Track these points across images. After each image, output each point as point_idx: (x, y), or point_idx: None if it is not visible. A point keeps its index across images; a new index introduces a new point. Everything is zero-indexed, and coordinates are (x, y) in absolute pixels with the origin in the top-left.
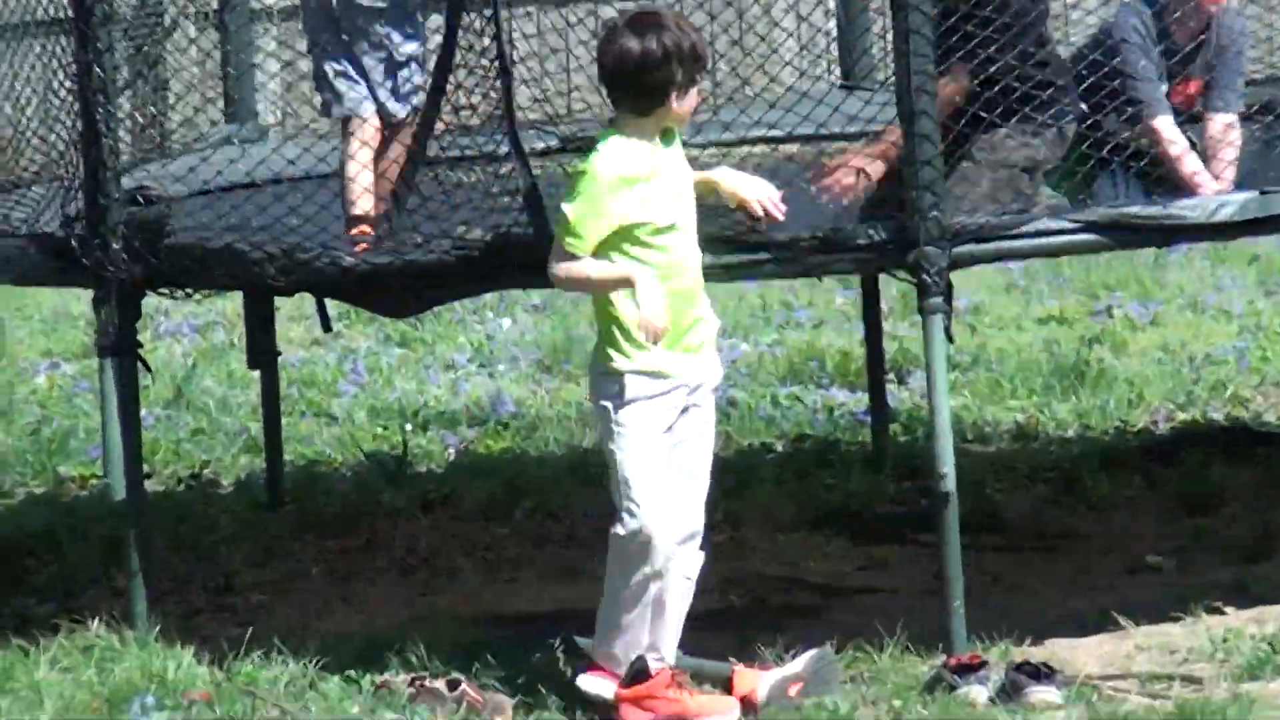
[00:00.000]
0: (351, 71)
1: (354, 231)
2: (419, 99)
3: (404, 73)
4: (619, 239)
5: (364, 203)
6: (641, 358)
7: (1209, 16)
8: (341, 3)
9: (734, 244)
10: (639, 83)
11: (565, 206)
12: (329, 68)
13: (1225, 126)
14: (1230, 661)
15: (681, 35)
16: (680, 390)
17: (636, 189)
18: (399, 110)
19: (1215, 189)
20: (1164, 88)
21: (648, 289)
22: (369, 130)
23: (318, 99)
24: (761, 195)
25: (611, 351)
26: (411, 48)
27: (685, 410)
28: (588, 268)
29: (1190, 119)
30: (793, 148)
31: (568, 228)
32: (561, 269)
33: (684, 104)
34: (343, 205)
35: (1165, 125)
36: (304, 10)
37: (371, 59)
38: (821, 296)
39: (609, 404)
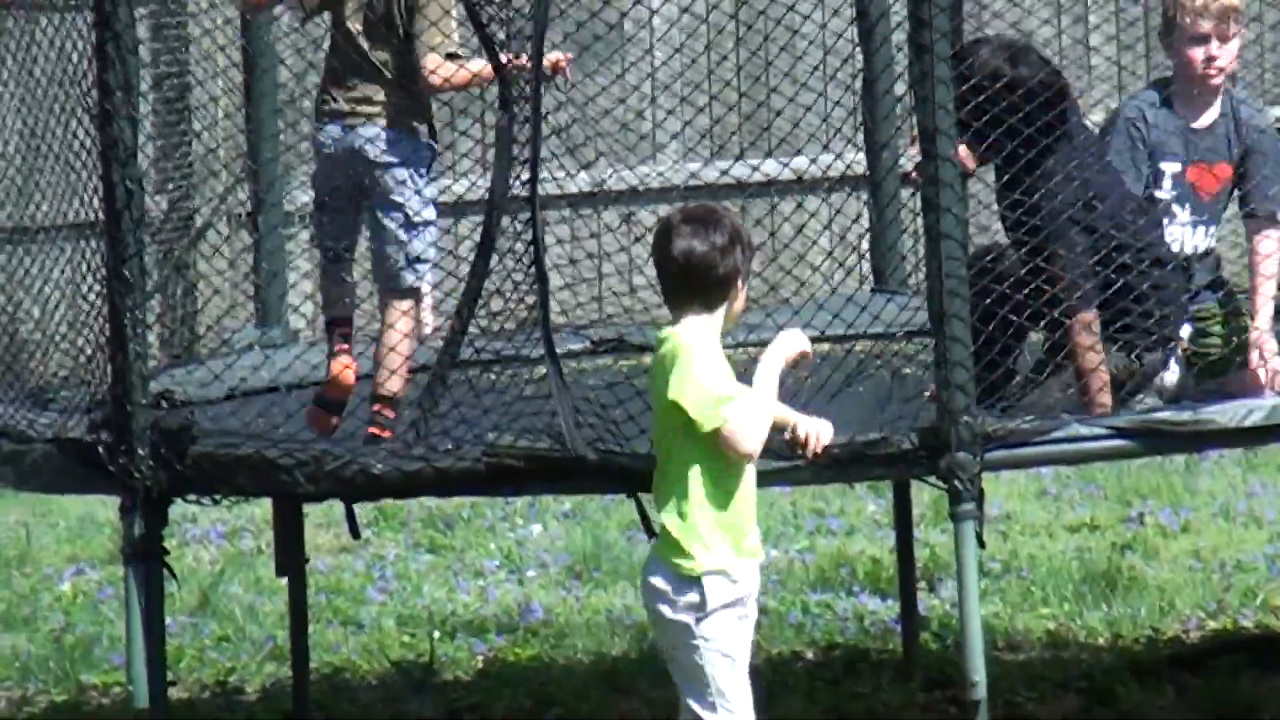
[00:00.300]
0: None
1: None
2: (425, 270)
3: (422, 238)
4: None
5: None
6: (720, 557)
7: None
8: (359, 161)
9: (768, 451)
10: (709, 277)
11: (688, 385)
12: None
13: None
14: None
15: (738, 226)
16: (749, 595)
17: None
18: (408, 278)
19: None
20: (1177, 167)
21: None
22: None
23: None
24: (812, 430)
25: (692, 549)
26: (428, 213)
27: (746, 617)
28: (761, 403)
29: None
30: (824, 347)
31: (709, 399)
32: (745, 431)
33: (740, 299)
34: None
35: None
36: (319, 171)
37: (391, 221)
38: (853, 504)
39: (688, 618)
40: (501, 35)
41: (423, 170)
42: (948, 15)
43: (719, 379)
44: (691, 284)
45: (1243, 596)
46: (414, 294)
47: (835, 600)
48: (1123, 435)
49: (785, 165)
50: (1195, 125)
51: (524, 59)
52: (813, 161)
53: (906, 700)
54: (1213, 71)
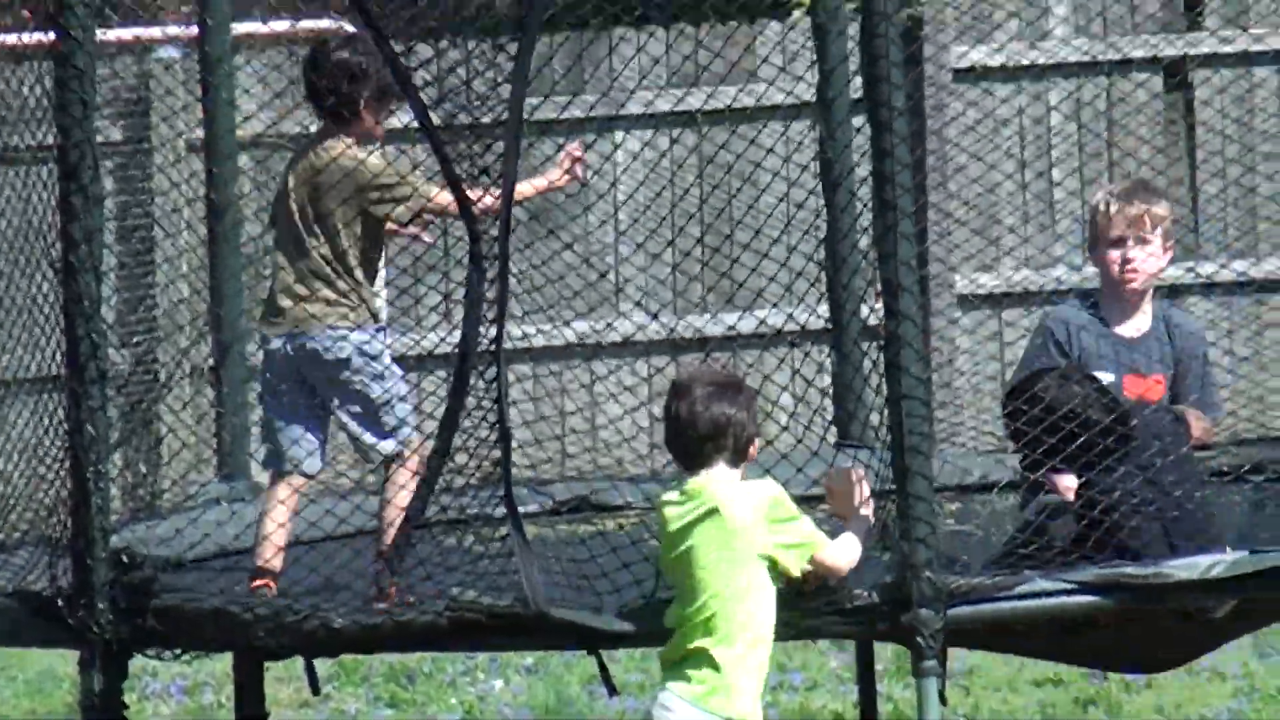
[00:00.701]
0: (303, 433)
1: (256, 584)
2: (406, 432)
3: (389, 414)
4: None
5: (274, 558)
6: (757, 700)
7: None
8: (310, 363)
9: None
10: (742, 438)
11: (801, 530)
12: (280, 426)
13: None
14: None
15: (750, 387)
16: None
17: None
18: (386, 448)
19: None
20: (1111, 377)
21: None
22: (290, 489)
23: (260, 449)
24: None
25: (735, 698)
26: (391, 390)
27: None
28: (839, 550)
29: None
30: None
31: (812, 542)
32: (845, 557)
33: (755, 451)
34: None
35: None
36: (268, 364)
37: (345, 413)
38: (815, 658)
39: None
40: (469, 171)
41: (375, 350)
42: (912, 169)
43: (805, 522)
44: (722, 444)
45: None
46: (400, 456)
47: None
48: (1086, 589)
49: (752, 316)
50: (1126, 336)
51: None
52: (774, 306)
53: None
54: (1130, 274)
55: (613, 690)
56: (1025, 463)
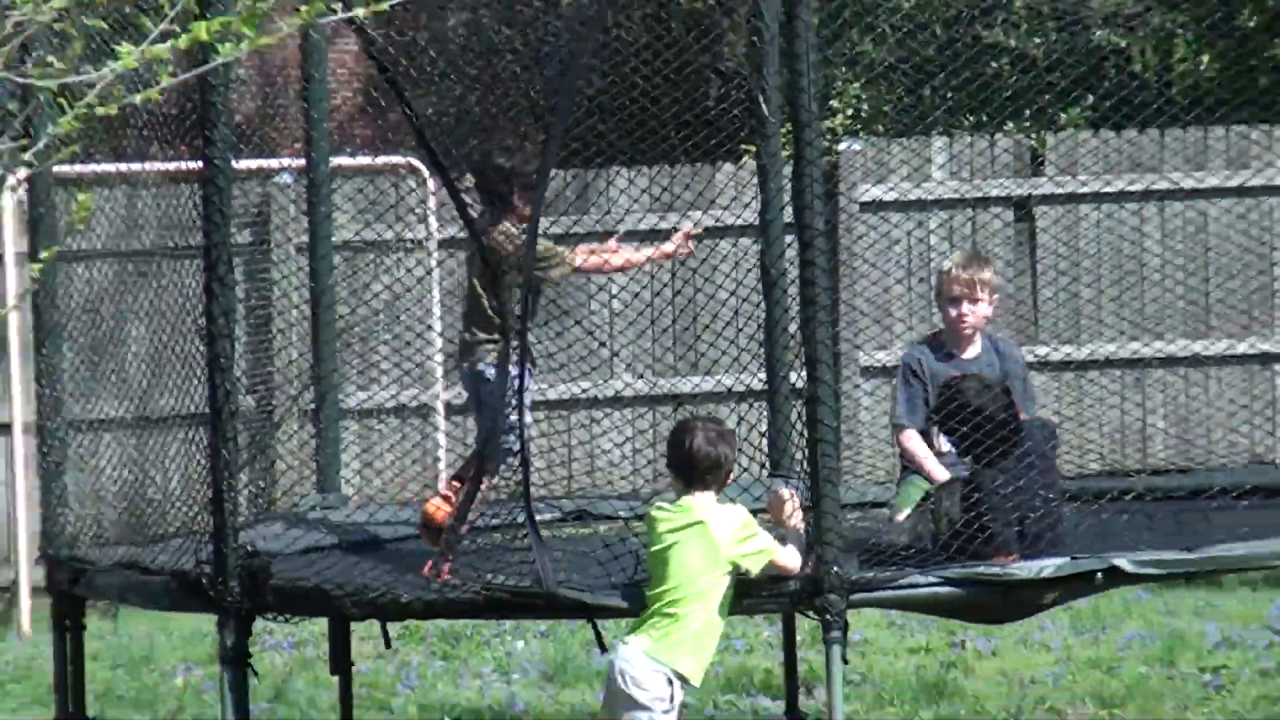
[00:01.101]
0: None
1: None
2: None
3: (509, 436)
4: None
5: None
6: (699, 666)
7: (971, 336)
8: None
9: None
10: (724, 469)
11: (762, 544)
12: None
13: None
14: None
15: (732, 441)
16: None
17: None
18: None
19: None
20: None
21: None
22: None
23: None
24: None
25: (681, 655)
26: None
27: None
28: (785, 556)
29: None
30: None
31: (769, 549)
32: (793, 560)
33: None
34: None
35: (909, 438)
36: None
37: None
38: (753, 629)
39: (654, 703)
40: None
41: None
42: (829, 274)
43: (765, 537)
44: (709, 473)
45: (1035, 703)
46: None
47: (738, 700)
48: (950, 583)
49: (711, 379)
50: (965, 358)
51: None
52: (726, 372)
53: None
54: (964, 324)
55: (603, 649)
56: (952, 438)
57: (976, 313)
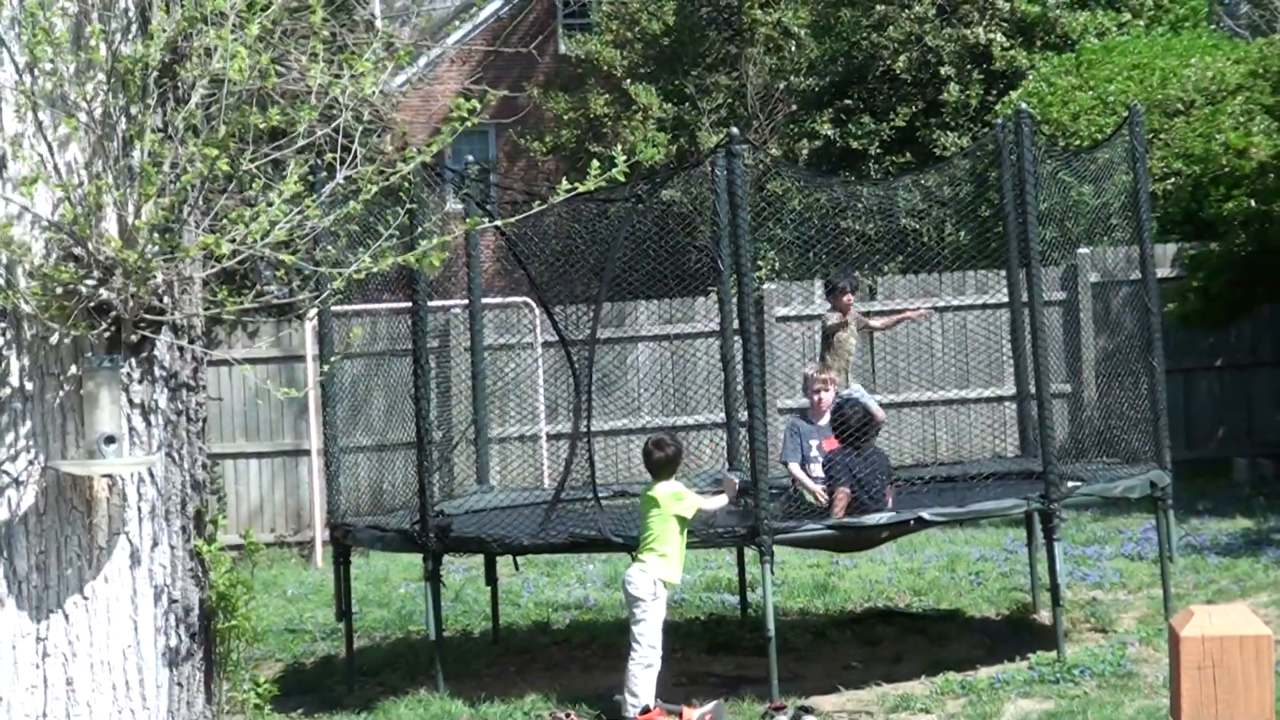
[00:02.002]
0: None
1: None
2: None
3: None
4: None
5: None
6: (673, 573)
7: (823, 411)
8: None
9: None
10: (675, 464)
11: (690, 501)
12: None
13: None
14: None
15: (677, 445)
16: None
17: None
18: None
19: (817, 489)
20: (816, 440)
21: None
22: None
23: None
24: (730, 492)
25: (658, 568)
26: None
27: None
28: (708, 503)
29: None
30: None
31: (691, 506)
32: (713, 506)
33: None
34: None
35: (793, 467)
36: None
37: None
38: (720, 556)
39: (646, 596)
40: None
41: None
42: (759, 357)
43: (690, 495)
44: (666, 468)
45: (877, 594)
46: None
47: (713, 596)
48: (830, 529)
49: (694, 417)
50: (820, 425)
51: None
52: (705, 411)
53: (741, 635)
54: (820, 404)
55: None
56: (841, 437)
57: (826, 398)
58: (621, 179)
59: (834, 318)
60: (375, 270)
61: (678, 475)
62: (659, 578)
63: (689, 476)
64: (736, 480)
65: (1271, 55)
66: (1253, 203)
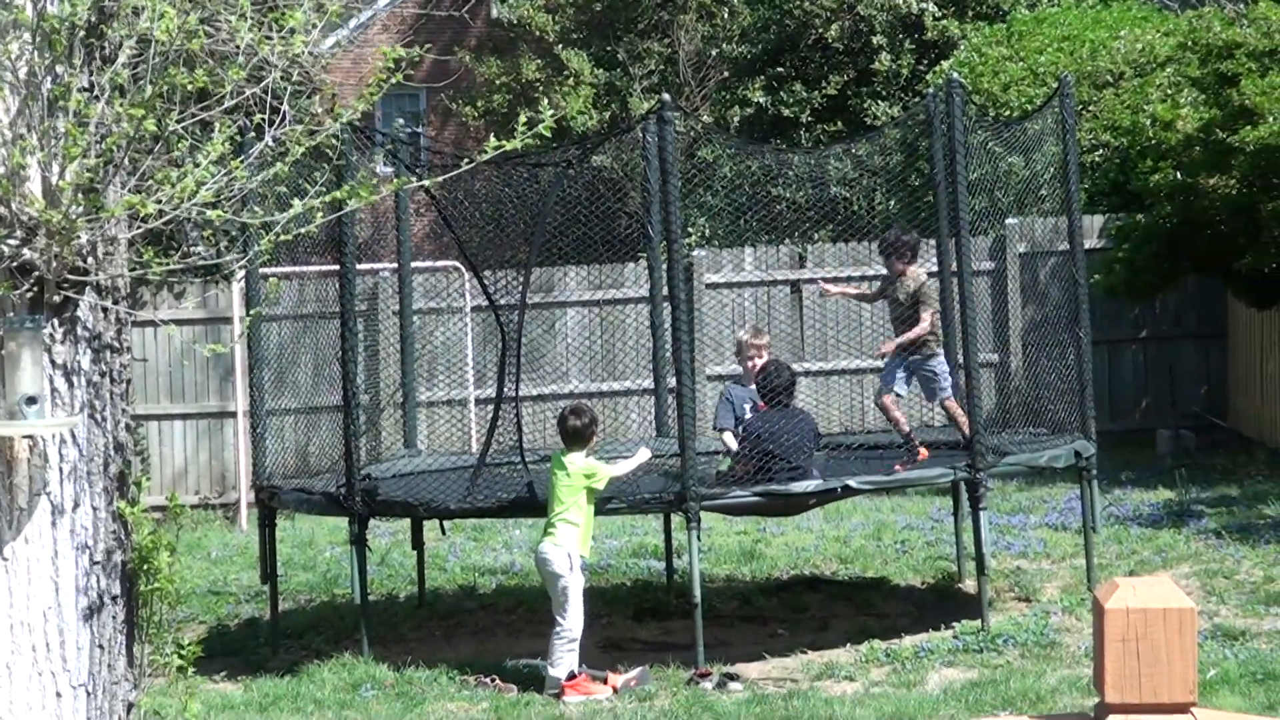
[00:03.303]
0: None
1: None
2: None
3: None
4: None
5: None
6: (583, 544)
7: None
8: None
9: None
10: (588, 435)
11: (601, 475)
12: None
13: None
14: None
15: (594, 412)
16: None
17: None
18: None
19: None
20: (750, 403)
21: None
22: None
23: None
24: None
25: (570, 540)
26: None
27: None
28: (619, 470)
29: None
30: None
31: (603, 476)
32: (620, 471)
33: (593, 443)
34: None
35: (724, 432)
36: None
37: None
38: (648, 523)
39: (561, 569)
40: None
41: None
42: (688, 324)
43: (602, 470)
44: (580, 438)
45: (804, 561)
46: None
47: (639, 562)
48: (758, 496)
49: (620, 382)
50: (753, 388)
51: None
52: (632, 379)
53: (668, 601)
54: (752, 369)
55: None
56: (764, 396)
57: (758, 363)
58: (547, 134)
59: (921, 273)
60: (303, 231)
61: (594, 449)
62: (572, 550)
63: (617, 443)
64: (649, 453)
65: (1200, 28)
66: (1179, 175)
